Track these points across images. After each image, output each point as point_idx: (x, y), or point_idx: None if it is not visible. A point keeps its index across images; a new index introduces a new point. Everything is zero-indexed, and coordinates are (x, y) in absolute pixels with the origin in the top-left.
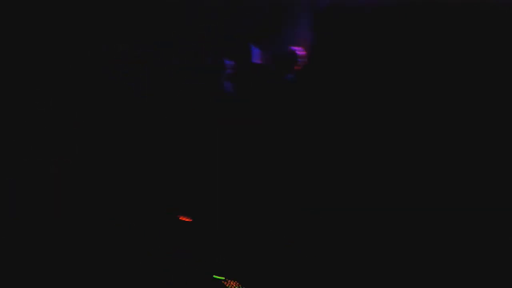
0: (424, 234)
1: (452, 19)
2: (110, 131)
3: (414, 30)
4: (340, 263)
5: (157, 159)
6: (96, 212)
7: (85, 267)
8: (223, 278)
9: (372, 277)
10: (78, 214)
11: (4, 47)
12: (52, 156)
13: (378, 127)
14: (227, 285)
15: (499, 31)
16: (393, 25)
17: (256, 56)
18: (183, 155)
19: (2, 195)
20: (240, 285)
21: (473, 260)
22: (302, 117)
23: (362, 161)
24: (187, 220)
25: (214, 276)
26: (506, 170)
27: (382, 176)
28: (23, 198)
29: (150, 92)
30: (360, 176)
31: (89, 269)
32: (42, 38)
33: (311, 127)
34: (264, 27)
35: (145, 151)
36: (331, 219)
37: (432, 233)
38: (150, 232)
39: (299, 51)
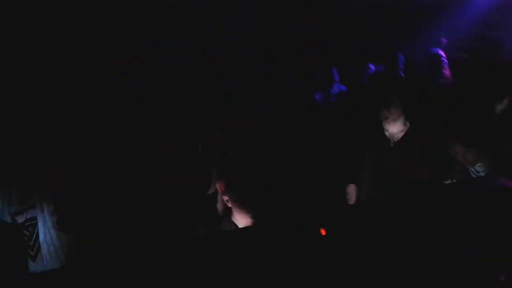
0: None
1: None
2: (110, 131)
3: None
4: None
5: (157, 159)
6: (96, 212)
7: (86, 267)
8: None
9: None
10: (78, 214)
11: (4, 47)
12: (52, 156)
13: None
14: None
15: None
16: None
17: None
18: (183, 155)
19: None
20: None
21: None
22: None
23: None
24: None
25: None
26: None
27: None
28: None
29: (150, 92)
30: None
31: (90, 269)
32: (42, 38)
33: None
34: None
35: (145, 151)
36: None
37: None
38: (150, 232)
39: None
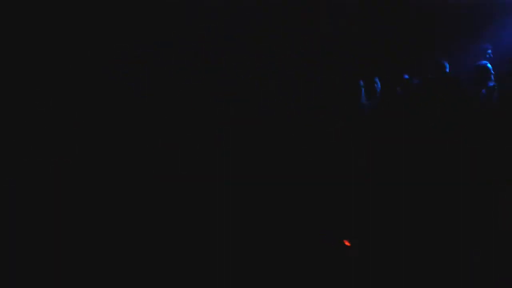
0: None
1: None
2: (110, 131)
3: None
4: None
5: (157, 159)
6: (96, 212)
7: (86, 266)
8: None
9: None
10: (78, 214)
11: (4, 47)
12: (52, 156)
13: None
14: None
15: None
16: None
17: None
18: (182, 155)
19: (2, 195)
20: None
21: None
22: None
23: None
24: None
25: None
26: None
27: None
28: (23, 198)
29: (150, 92)
30: None
31: (90, 269)
32: (42, 38)
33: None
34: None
35: (145, 151)
36: None
37: None
38: (150, 231)
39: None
